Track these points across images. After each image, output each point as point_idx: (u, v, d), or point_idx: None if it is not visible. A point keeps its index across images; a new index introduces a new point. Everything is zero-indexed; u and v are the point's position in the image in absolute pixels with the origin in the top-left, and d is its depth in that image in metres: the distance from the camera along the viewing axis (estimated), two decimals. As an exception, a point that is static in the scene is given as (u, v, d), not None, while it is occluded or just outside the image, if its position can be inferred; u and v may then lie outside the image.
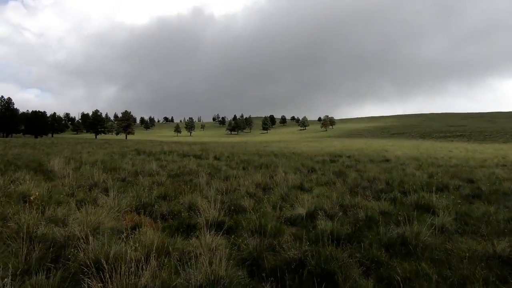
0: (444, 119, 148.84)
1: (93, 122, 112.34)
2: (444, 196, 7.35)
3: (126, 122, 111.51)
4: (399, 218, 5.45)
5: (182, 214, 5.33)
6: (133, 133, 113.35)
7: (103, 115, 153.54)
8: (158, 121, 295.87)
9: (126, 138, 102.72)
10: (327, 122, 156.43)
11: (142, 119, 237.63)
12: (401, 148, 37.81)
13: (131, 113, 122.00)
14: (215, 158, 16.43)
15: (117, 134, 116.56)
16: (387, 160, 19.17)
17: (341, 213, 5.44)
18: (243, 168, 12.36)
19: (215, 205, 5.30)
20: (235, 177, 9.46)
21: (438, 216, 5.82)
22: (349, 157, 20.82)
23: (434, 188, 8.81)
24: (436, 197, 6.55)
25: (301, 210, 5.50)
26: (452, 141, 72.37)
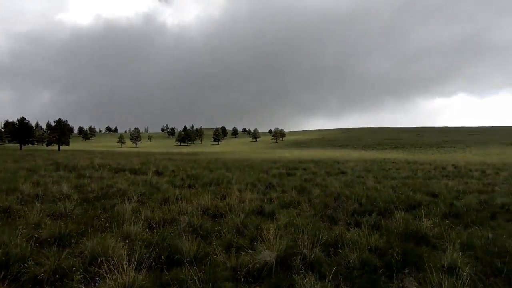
0: (382, 132, 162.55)
1: (18, 131, 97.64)
2: (426, 216, 6.29)
3: (59, 132, 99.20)
4: (398, 257, 4.05)
5: (74, 276, 3.18)
6: (67, 144, 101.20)
7: (33, 124, 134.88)
8: (100, 131, 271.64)
9: (59, 149, 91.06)
10: (278, 134, 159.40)
11: (80, 129, 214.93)
12: (349, 159, 38.85)
13: (67, 122, 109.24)
14: (157, 173, 13.95)
15: (47, 145, 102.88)
16: (343, 172, 18.64)
17: (325, 257, 3.82)
18: (190, 186, 10.26)
19: (132, 255, 3.28)
20: (178, 199, 7.39)
21: (438, 248, 4.60)
22: (305, 169, 19.91)
23: (405, 207, 7.91)
24: (424, 220, 5.36)
25: (267, 255, 3.75)
26: (390, 152, 78.51)
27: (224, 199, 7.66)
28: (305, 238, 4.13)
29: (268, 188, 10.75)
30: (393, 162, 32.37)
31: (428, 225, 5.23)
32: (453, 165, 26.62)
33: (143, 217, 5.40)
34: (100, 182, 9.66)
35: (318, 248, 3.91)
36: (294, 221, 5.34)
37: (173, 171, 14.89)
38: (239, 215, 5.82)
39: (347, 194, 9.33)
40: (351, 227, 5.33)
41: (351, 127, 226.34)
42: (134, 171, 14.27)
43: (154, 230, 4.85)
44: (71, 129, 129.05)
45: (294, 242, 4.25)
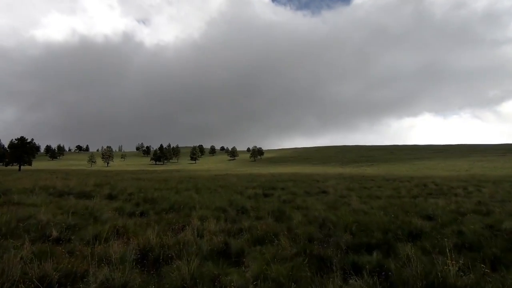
0: (356, 150, 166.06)
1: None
2: (434, 248, 4.83)
3: (20, 150, 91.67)
4: None
5: None
6: (29, 163, 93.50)
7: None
8: (70, 149, 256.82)
9: (19, 169, 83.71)
10: (256, 152, 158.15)
11: (48, 147, 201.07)
12: (328, 177, 37.78)
13: (34, 140, 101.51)
14: (109, 196, 11.74)
15: (6, 164, 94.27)
16: (324, 192, 17.20)
17: None
18: (142, 214, 8.29)
19: None
20: (112, 234, 5.47)
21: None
22: (283, 189, 18.28)
23: (405, 236, 6.45)
24: (449, 264, 3.87)
25: None
26: (366, 169, 79.11)
27: (178, 232, 5.83)
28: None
29: (239, 212, 9.01)
30: (372, 180, 31.50)
31: (455, 270, 3.73)
32: (432, 182, 26.14)
33: (35, 270, 3.48)
34: (21, 210, 7.45)
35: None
36: (268, 271, 3.64)
37: (131, 194, 12.72)
38: (193, 258, 4.05)
39: (333, 220, 7.80)
40: (349, 276, 3.73)
41: (326, 145, 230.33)
42: (82, 195, 11.97)
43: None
44: (36, 148, 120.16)
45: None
